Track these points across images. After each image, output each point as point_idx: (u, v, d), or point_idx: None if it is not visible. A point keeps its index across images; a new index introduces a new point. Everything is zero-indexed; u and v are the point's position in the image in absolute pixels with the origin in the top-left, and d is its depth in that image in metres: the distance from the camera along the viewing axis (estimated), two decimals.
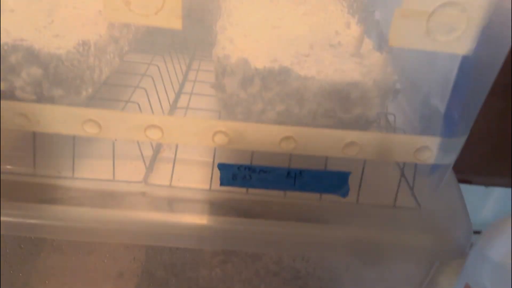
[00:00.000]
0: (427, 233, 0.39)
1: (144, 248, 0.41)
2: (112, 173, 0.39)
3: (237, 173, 0.37)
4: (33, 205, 0.37)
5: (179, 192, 0.39)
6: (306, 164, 0.37)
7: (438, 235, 0.38)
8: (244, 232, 0.38)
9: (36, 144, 0.38)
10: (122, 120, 0.35)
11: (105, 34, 0.42)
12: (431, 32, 0.30)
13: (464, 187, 0.82)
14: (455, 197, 0.42)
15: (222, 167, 0.37)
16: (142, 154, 0.40)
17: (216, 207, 0.38)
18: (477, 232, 0.84)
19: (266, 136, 0.35)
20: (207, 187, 0.39)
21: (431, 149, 0.36)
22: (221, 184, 0.37)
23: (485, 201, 0.88)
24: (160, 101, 0.46)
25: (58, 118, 0.35)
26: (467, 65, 0.33)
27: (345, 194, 0.38)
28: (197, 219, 0.37)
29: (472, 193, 0.85)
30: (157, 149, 0.43)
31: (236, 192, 0.39)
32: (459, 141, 0.36)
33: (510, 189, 0.81)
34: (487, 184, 0.83)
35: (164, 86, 0.48)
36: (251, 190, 0.39)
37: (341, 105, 0.37)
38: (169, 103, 0.48)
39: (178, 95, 0.50)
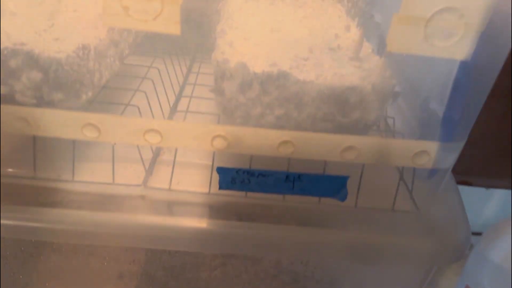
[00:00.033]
0: (426, 236, 0.39)
1: (144, 250, 0.41)
2: (112, 176, 0.39)
3: (235, 177, 0.37)
4: (33, 208, 0.37)
5: (178, 195, 0.39)
6: (305, 167, 0.37)
7: (436, 238, 0.39)
8: (243, 235, 0.38)
9: (36, 147, 0.38)
10: (121, 124, 0.35)
11: (105, 37, 0.42)
12: (429, 37, 0.31)
13: (464, 189, 0.83)
14: (454, 200, 0.42)
15: (220, 170, 0.37)
16: (141, 157, 0.41)
17: (215, 211, 0.39)
18: (477, 234, 0.84)
19: (265, 141, 0.35)
20: (206, 190, 0.40)
21: (429, 154, 0.36)
22: (220, 187, 0.38)
23: (485, 202, 0.88)
24: (160, 104, 0.46)
25: (57, 123, 0.35)
26: (465, 70, 0.33)
27: (343, 198, 0.38)
28: (196, 222, 0.37)
29: (472, 194, 0.85)
30: (157, 152, 0.43)
31: (235, 196, 0.39)
32: (458, 146, 0.36)
33: (510, 191, 0.82)
34: (487, 186, 0.83)
35: (165, 89, 0.49)
36: (250, 194, 0.39)
37: (340, 109, 0.37)
38: (170, 106, 0.48)
39: (178, 98, 0.50)
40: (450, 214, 0.41)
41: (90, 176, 0.40)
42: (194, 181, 0.41)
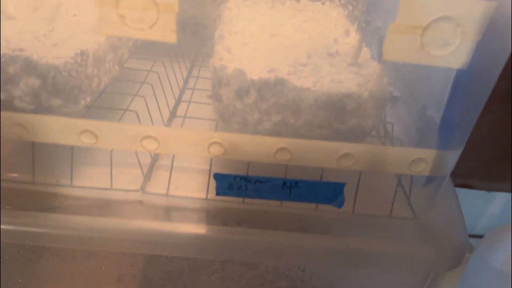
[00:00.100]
0: (423, 243, 0.39)
1: (142, 255, 0.41)
2: (110, 181, 0.39)
3: (233, 183, 0.37)
4: (31, 213, 0.37)
5: (176, 200, 0.40)
6: (303, 174, 0.37)
7: (434, 245, 0.38)
8: (240, 241, 0.38)
9: (35, 152, 0.38)
10: (119, 131, 0.35)
11: (104, 42, 0.42)
12: (425, 46, 0.30)
13: (466, 192, 0.83)
14: (452, 206, 0.42)
15: (218, 177, 0.37)
16: (139, 163, 0.41)
17: (213, 216, 0.39)
18: (479, 236, 0.84)
19: (262, 148, 0.35)
20: (204, 195, 0.40)
21: (426, 161, 0.36)
22: (217, 193, 0.38)
23: (486, 205, 0.88)
24: (159, 109, 0.46)
25: (55, 129, 0.35)
26: (462, 78, 0.33)
27: (340, 205, 0.38)
28: (194, 228, 0.38)
29: (474, 197, 0.85)
30: (155, 157, 0.43)
31: (233, 201, 0.39)
32: (455, 153, 0.36)
33: (511, 194, 0.81)
34: (488, 189, 0.83)
35: (164, 94, 0.49)
36: (247, 200, 0.39)
37: (337, 116, 0.37)
38: (169, 110, 0.48)
39: (177, 103, 0.50)
40: (447, 221, 0.41)
41: (88, 181, 0.40)
42: (192, 186, 0.41)
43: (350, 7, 0.52)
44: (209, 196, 0.40)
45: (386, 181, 0.41)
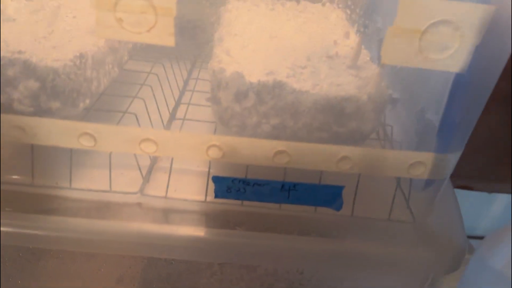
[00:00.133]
0: (422, 247, 0.39)
1: (141, 257, 0.41)
2: (109, 183, 0.39)
3: (231, 186, 0.37)
4: (31, 215, 0.37)
5: (175, 203, 0.40)
6: (302, 176, 0.37)
7: (433, 249, 0.38)
8: (239, 244, 0.38)
9: (34, 154, 0.38)
10: (117, 134, 0.35)
11: (104, 44, 0.42)
12: (423, 50, 0.30)
13: (466, 193, 0.82)
14: (451, 209, 0.42)
15: (216, 179, 0.37)
16: (138, 165, 0.41)
17: (211, 219, 0.39)
18: (479, 238, 0.83)
19: (260, 151, 0.35)
20: (203, 198, 0.40)
21: (425, 164, 0.36)
22: (216, 196, 0.38)
23: (487, 207, 0.88)
24: (159, 111, 0.46)
25: (54, 131, 0.35)
26: (461, 81, 0.33)
27: (339, 208, 0.38)
28: (192, 230, 0.38)
29: (474, 199, 0.85)
30: (154, 158, 0.43)
31: (231, 204, 0.39)
32: (454, 157, 0.36)
33: (511, 195, 0.81)
34: (489, 190, 0.83)
35: (164, 96, 0.49)
36: (246, 202, 0.39)
37: (335, 119, 0.37)
38: (169, 112, 0.48)
39: (177, 104, 0.50)
40: (446, 224, 0.41)
41: (87, 183, 0.40)
42: (190, 188, 0.41)
43: (350, 9, 0.51)
44: (208, 199, 0.40)
45: (385, 184, 0.41)
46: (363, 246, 0.38)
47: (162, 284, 0.42)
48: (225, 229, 0.38)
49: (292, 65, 0.41)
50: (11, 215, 0.37)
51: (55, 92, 0.36)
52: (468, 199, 0.82)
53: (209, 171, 0.39)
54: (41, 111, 0.37)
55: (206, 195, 0.39)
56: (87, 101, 0.40)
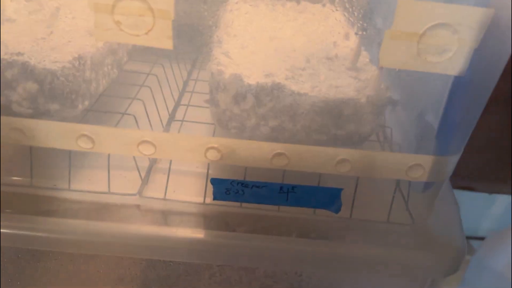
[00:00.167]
0: (421, 249, 0.38)
1: (139, 259, 0.41)
2: (107, 185, 0.39)
3: (230, 188, 0.37)
4: (29, 216, 0.37)
5: (173, 205, 0.40)
6: (302, 178, 0.37)
7: (432, 252, 0.38)
8: (237, 246, 0.38)
9: (33, 156, 0.38)
10: (115, 135, 0.35)
11: (103, 45, 0.42)
12: (422, 53, 0.30)
13: (467, 194, 0.82)
14: (451, 212, 0.42)
15: (215, 182, 0.37)
16: (137, 166, 0.41)
17: (210, 221, 0.39)
18: (480, 239, 0.83)
19: (258, 153, 0.35)
20: (202, 199, 0.40)
21: (423, 167, 0.35)
22: (214, 198, 0.38)
23: (488, 208, 0.88)
24: (158, 112, 0.46)
25: (52, 133, 0.35)
26: (460, 84, 0.33)
27: (337, 210, 0.38)
28: (191, 232, 0.38)
29: (475, 200, 0.85)
30: (153, 160, 0.43)
31: (230, 206, 0.39)
32: (453, 160, 0.36)
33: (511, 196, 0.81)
34: (490, 191, 0.83)
35: (164, 97, 0.49)
36: (245, 204, 0.39)
37: (334, 121, 0.37)
38: (168, 113, 0.48)
39: (177, 105, 0.50)
40: (446, 226, 0.41)
41: (86, 184, 0.40)
42: (189, 190, 0.41)
43: (350, 10, 0.51)
44: (207, 200, 0.40)
45: (384, 186, 0.41)
46: (362, 248, 0.38)
47: (161, 285, 0.42)
48: (224, 231, 0.38)
49: (291, 67, 0.41)
50: (10, 217, 0.37)
51: (53, 94, 0.36)
52: (469, 200, 0.82)
53: (207, 173, 0.39)
54: (39, 113, 0.37)
55: (204, 197, 0.39)
56: (86, 102, 0.40)
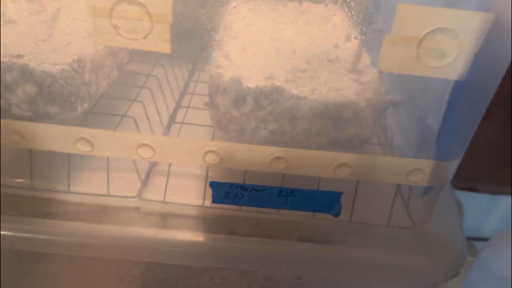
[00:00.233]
0: (421, 253, 0.38)
1: (138, 261, 0.41)
2: (107, 187, 0.39)
3: (229, 191, 0.37)
4: (29, 218, 0.37)
5: (173, 207, 0.40)
6: (301, 182, 0.37)
7: (432, 256, 0.38)
8: (236, 249, 0.38)
9: (33, 158, 0.38)
10: (114, 139, 0.35)
11: (103, 47, 0.42)
12: (421, 58, 0.30)
13: (470, 195, 0.82)
14: (451, 215, 0.42)
15: (214, 185, 0.37)
16: (136, 169, 0.41)
17: (209, 224, 0.39)
18: (483, 240, 0.83)
19: (257, 157, 0.35)
20: (201, 202, 0.40)
21: (424, 171, 0.35)
22: (213, 201, 0.38)
23: (492, 209, 0.87)
24: (159, 114, 0.46)
25: (51, 137, 0.35)
26: (460, 88, 0.33)
27: (337, 214, 0.38)
28: (190, 236, 0.38)
29: (479, 201, 0.84)
30: (153, 162, 0.43)
31: (229, 209, 0.39)
32: (453, 164, 0.36)
33: None
34: (493, 192, 0.82)
35: (164, 98, 0.49)
36: (244, 207, 0.39)
37: (334, 125, 0.36)
38: (169, 114, 0.48)
39: (177, 107, 0.50)
40: (446, 230, 0.40)
41: (86, 187, 0.40)
42: (189, 192, 0.41)
43: (352, 11, 0.51)
44: (206, 203, 0.39)
45: (384, 190, 0.40)
46: (361, 252, 0.38)
47: (161, 287, 0.42)
48: (223, 234, 0.38)
49: (291, 69, 0.40)
50: (10, 219, 0.37)
51: (52, 97, 0.36)
52: (472, 201, 0.82)
53: (207, 175, 0.39)
54: (39, 116, 0.37)
55: (204, 200, 0.39)
56: (86, 105, 0.40)
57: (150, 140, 0.35)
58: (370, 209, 0.40)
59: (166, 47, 0.30)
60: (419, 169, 0.35)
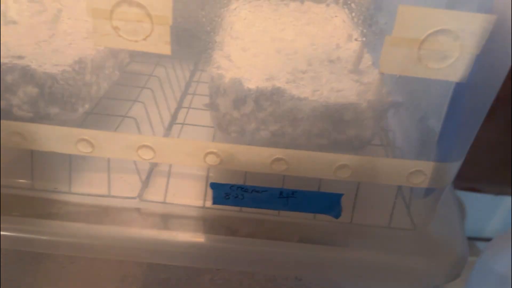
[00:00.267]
0: (422, 255, 0.38)
1: (139, 262, 0.41)
2: (108, 188, 0.39)
3: (229, 192, 0.37)
4: (30, 219, 0.37)
5: (173, 208, 0.39)
6: (302, 183, 0.37)
7: (433, 258, 0.38)
8: (237, 250, 0.38)
9: (34, 159, 0.38)
10: (115, 140, 0.35)
11: (104, 48, 0.42)
12: (423, 59, 0.30)
13: (473, 196, 0.82)
14: (452, 217, 0.42)
15: (214, 186, 0.37)
16: (137, 170, 0.41)
17: (210, 225, 0.39)
18: (486, 240, 0.83)
19: (257, 158, 0.35)
20: (202, 203, 0.40)
21: (425, 173, 0.35)
22: (214, 202, 0.38)
23: (494, 209, 0.87)
24: (160, 114, 0.46)
25: (52, 138, 0.35)
26: (461, 90, 0.32)
27: (337, 215, 0.38)
28: (191, 236, 0.38)
29: (481, 201, 0.84)
30: (153, 163, 0.43)
31: (230, 210, 0.39)
32: (454, 166, 0.36)
33: None
34: (496, 193, 0.82)
35: (166, 99, 0.48)
36: (244, 208, 0.39)
37: (335, 126, 0.36)
38: (170, 115, 0.48)
39: (179, 107, 0.49)
40: (447, 231, 0.40)
41: (87, 187, 0.40)
42: (189, 193, 0.41)
43: (353, 12, 0.51)
44: (207, 204, 0.39)
45: (385, 191, 0.40)
46: (362, 253, 0.38)
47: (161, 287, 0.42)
48: (224, 235, 0.38)
49: (292, 69, 0.40)
50: (11, 219, 0.37)
51: (53, 98, 0.36)
52: (475, 201, 0.82)
53: (207, 176, 0.39)
54: (40, 117, 0.37)
55: (204, 201, 0.39)
56: (87, 106, 0.40)
57: (150, 141, 0.35)
58: (371, 210, 0.40)
59: (166, 49, 0.30)
60: (420, 171, 0.35)
